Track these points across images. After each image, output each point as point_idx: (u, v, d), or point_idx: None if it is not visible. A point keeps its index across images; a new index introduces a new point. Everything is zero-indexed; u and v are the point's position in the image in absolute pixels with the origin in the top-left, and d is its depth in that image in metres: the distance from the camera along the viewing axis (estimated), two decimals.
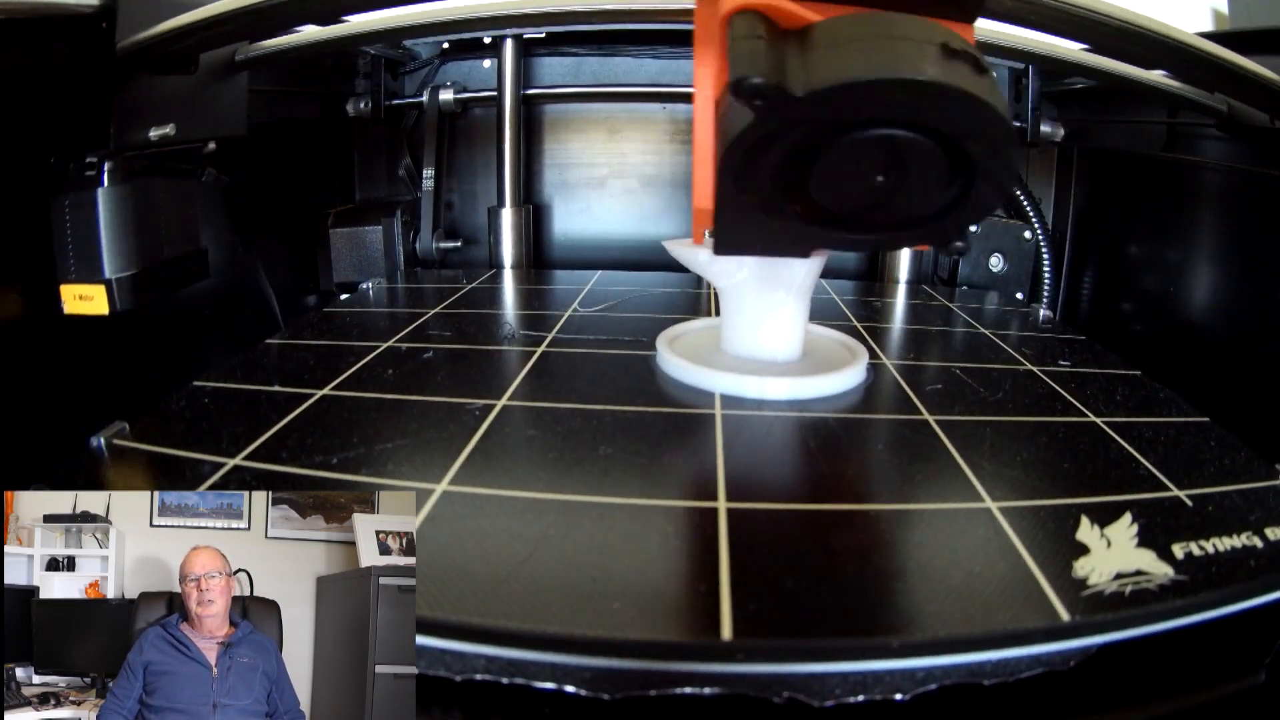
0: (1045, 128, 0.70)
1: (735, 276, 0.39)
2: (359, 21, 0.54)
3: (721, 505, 0.27)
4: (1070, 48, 0.50)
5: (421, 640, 0.22)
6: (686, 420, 0.35)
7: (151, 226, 0.46)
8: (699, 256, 0.40)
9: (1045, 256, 0.71)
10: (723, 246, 0.31)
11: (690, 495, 0.28)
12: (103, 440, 0.32)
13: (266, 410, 0.35)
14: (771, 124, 0.25)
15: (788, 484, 0.30)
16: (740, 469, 0.30)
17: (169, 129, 0.46)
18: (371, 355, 0.43)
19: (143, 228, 0.45)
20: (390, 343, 0.45)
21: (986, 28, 0.49)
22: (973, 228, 0.70)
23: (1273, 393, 0.46)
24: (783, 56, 0.24)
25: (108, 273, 0.43)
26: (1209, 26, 0.63)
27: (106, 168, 0.43)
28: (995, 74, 0.26)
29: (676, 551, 0.25)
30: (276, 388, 0.38)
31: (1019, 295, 0.72)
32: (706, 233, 0.31)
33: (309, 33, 0.52)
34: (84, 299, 0.43)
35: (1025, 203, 0.71)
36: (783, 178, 0.27)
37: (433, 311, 0.53)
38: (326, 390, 0.38)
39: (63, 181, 0.43)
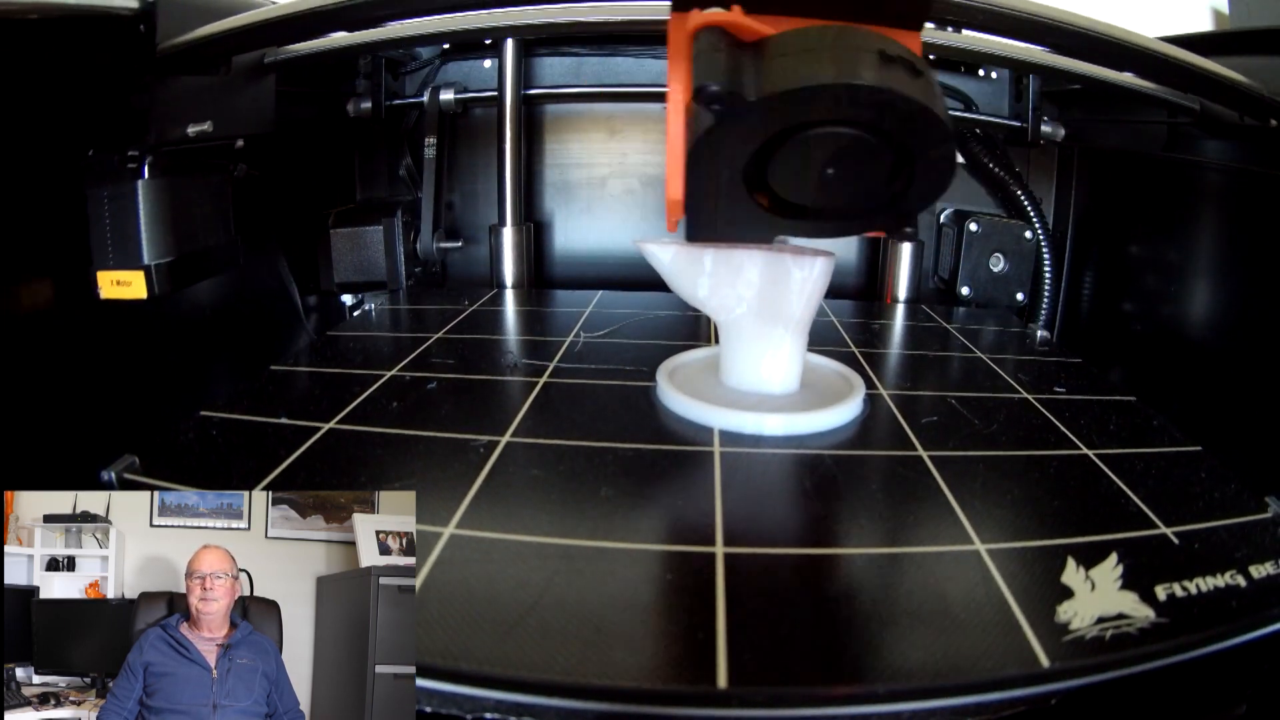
0: (1045, 128, 0.70)
1: (734, 312, 0.40)
2: (385, 28, 0.55)
3: (719, 550, 0.28)
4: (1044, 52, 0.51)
5: (435, 685, 0.23)
6: (686, 458, 0.35)
7: (187, 217, 0.49)
8: (698, 292, 0.40)
9: (1046, 256, 0.71)
10: (694, 234, 0.34)
11: (689, 540, 0.29)
12: (113, 474, 0.32)
13: (274, 445, 0.36)
14: (728, 126, 0.28)
15: (783, 527, 0.31)
16: (737, 512, 0.31)
17: (206, 126, 0.48)
18: (375, 385, 0.43)
19: (179, 218, 0.48)
20: (394, 371, 0.46)
21: (975, 35, 0.51)
22: (973, 226, 0.71)
23: (1272, 391, 0.46)
24: (740, 66, 0.28)
25: (147, 259, 0.46)
26: (1209, 26, 0.63)
27: (147, 161, 0.46)
28: (935, 75, 0.28)
29: (676, 598, 0.26)
30: (283, 420, 0.38)
31: (1019, 295, 0.72)
32: (680, 222, 0.34)
33: (337, 38, 0.54)
34: (121, 284, 0.46)
35: (1025, 202, 0.71)
36: (745, 172, 0.30)
37: (435, 336, 0.54)
38: (332, 424, 0.38)
39: (102, 174, 0.45)
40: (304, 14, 0.41)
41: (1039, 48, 0.50)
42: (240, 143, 0.53)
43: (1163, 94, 0.51)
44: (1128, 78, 0.51)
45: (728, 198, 0.31)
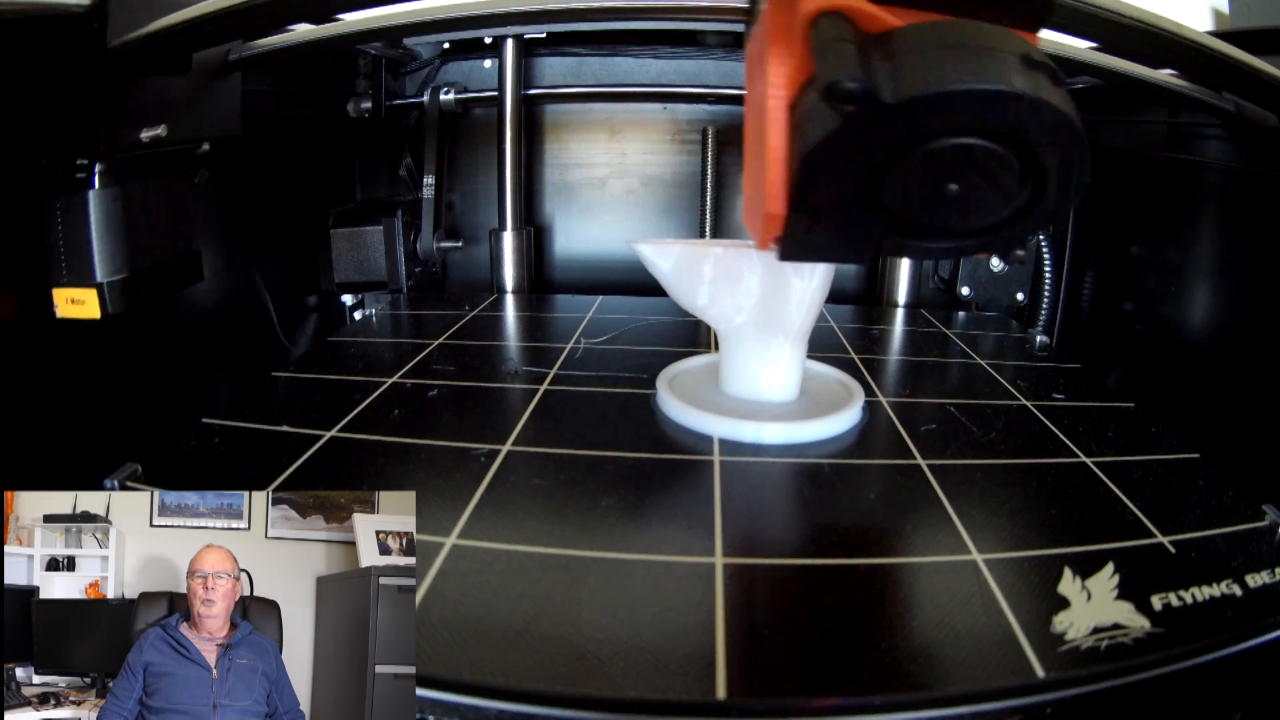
0: None
1: (734, 321, 0.40)
2: (353, 20, 0.54)
3: (719, 561, 0.28)
4: (1077, 45, 0.50)
5: (437, 695, 0.23)
6: (686, 467, 0.35)
7: (144, 229, 0.46)
8: (698, 301, 0.40)
9: (1046, 256, 0.71)
10: (789, 252, 0.30)
11: (689, 551, 0.29)
12: (115, 483, 0.32)
13: (276, 453, 0.36)
14: (856, 129, 0.24)
15: (782, 537, 0.31)
16: (736, 522, 0.31)
17: (160, 130, 0.45)
18: (377, 393, 0.43)
19: (135, 230, 0.45)
20: (395, 378, 0.46)
21: None
22: None
23: (1271, 396, 0.46)
24: (869, 61, 0.24)
25: (99, 276, 0.43)
26: (1209, 26, 0.63)
27: (97, 170, 0.43)
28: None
29: (676, 609, 0.26)
30: (285, 428, 0.38)
31: (1019, 296, 0.72)
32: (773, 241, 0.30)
33: (302, 32, 0.52)
34: (76, 303, 0.43)
35: None
36: (858, 183, 0.26)
37: (436, 343, 0.54)
38: (334, 432, 0.38)
39: (54, 184, 0.42)
40: (264, 4, 0.39)
41: (1049, 38, 0.48)
42: (205, 147, 0.51)
43: (1197, 94, 0.49)
44: (1164, 75, 0.49)
45: (842, 212, 0.27)
